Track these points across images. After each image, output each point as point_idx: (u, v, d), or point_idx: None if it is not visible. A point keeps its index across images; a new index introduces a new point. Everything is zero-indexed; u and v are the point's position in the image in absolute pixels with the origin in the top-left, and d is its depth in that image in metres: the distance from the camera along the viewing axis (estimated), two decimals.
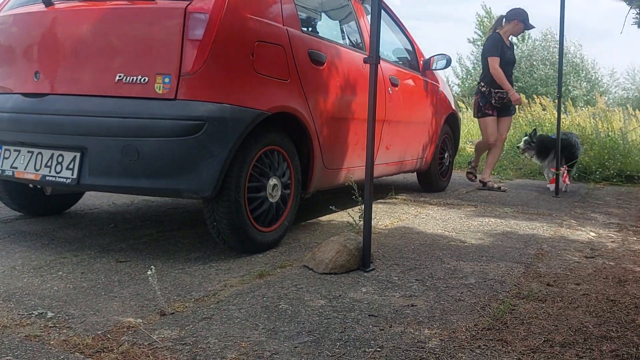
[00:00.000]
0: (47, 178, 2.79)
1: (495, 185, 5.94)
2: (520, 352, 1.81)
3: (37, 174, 2.82)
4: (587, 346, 1.88)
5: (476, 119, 6.17)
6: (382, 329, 1.97)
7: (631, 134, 8.33)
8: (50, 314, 2.03)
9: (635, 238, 3.70)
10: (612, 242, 3.55)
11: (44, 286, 2.35)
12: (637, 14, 5.60)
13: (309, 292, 2.36)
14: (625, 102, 21.83)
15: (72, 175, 2.72)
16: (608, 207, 5.09)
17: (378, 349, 1.81)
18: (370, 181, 2.67)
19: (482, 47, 5.94)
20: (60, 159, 2.77)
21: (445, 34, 62.12)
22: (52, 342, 1.80)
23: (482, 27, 29.72)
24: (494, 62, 5.59)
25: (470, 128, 11.36)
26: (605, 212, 4.74)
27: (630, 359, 1.79)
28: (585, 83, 25.03)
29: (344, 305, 2.20)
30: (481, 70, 5.95)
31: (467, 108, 13.15)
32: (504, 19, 5.78)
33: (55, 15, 2.89)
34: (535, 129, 6.43)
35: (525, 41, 27.73)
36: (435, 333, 1.95)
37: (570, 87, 23.42)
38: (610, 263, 3.00)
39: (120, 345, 1.77)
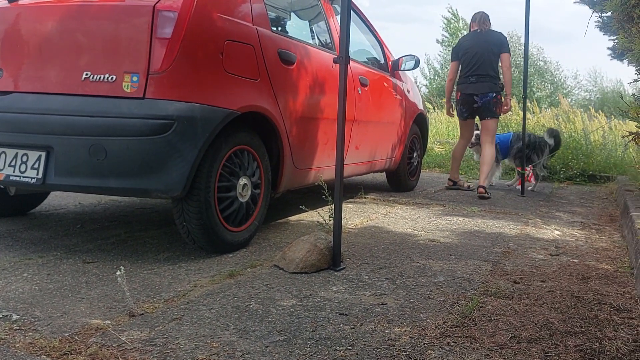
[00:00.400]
0: (12, 178, 2.73)
1: (465, 185, 6.02)
2: (488, 348, 1.85)
3: (0, 174, 2.76)
4: (553, 342, 1.92)
5: (454, 120, 6.23)
6: (353, 328, 1.98)
7: (593, 134, 8.55)
8: (15, 317, 1.98)
9: (597, 236, 3.80)
10: (575, 240, 3.64)
11: (8, 288, 2.30)
12: (599, 17, 5.76)
13: (279, 291, 2.36)
14: (587, 104, 22.39)
15: (38, 174, 2.67)
16: (572, 206, 5.22)
17: (349, 348, 1.82)
18: (340, 181, 2.68)
19: (486, 43, 5.41)
20: (24, 159, 2.71)
21: (413, 35, 62.73)
22: (17, 345, 1.76)
23: (449, 28, 30.09)
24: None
25: (438, 128, 11.49)
26: (569, 211, 4.86)
27: (593, 353, 1.84)
28: (549, 85, 25.57)
29: (315, 305, 2.21)
30: (490, 68, 5.46)
31: (434, 109, 13.30)
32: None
33: (19, 11, 2.83)
34: None
35: None
36: (405, 331, 1.97)
37: (534, 89, 23.88)
38: (574, 260, 3.07)
39: (89, 347, 1.75)
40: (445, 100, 6.19)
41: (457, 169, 6.00)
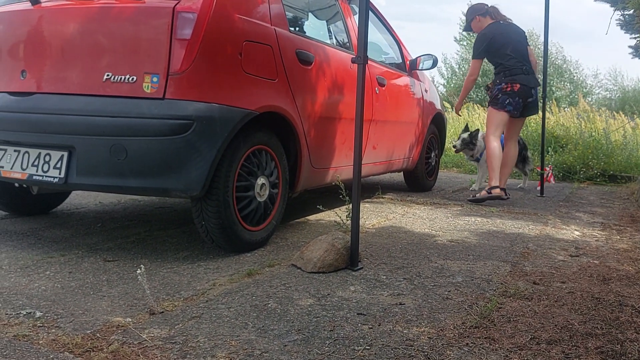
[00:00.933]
0: (34, 177, 2.77)
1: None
2: (507, 349, 1.84)
3: (24, 173, 2.80)
4: (573, 343, 1.91)
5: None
6: (371, 328, 1.99)
7: (614, 134, 8.44)
8: (38, 314, 2.02)
9: (618, 237, 3.75)
10: (596, 240, 3.60)
11: (31, 286, 2.34)
12: (621, 15, 5.68)
13: (297, 290, 2.37)
14: (608, 103, 22.11)
15: (60, 174, 2.71)
16: (592, 206, 5.16)
17: (367, 347, 1.82)
18: (358, 180, 2.68)
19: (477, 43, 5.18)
20: (47, 158, 2.76)
21: (430, 34, 62.39)
22: (41, 342, 1.79)
23: None
24: None
25: (456, 128, 11.42)
26: (589, 212, 4.80)
27: (614, 355, 1.82)
28: (568, 84, 25.28)
29: (333, 304, 2.21)
30: (528, 62, 4.92)
31: (452, 108, 13.23)
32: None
33: (42, 13, 2.87)
34: (478, 129, 5.72)
35: None
36: (424, 331, 1.97)
37: (553, 88, 23.65)
38: (595, 261, 3.04)
39: (110, 345, 1.77)
40: (458, 98, 5.48)
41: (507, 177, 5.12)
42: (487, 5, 5.22)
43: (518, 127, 5.13)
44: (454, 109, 5.57)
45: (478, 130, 5.68)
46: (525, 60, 4.88)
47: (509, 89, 4.77)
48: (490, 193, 4.80)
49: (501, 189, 4.83)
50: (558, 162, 7.66)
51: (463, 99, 5.48)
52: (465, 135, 5.58)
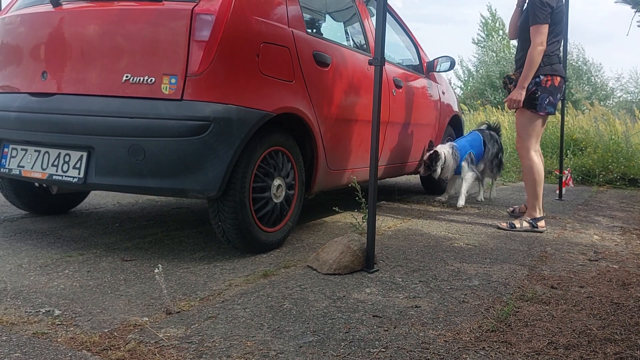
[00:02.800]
0: (54, 177, 2.81)
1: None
2: (524, 354, 1.82)
3: (44, 173, 2.84)
4: (591, 349, 1.88)
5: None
6: (387, 330, 1.98)
7: (635, 137, 8.33)
8: (57, 312, 2.04)
9: (638, 241, 3.70)
10: (615, 245, 3.55)
11: (50, 284, 2.37)
12: None
13: (313, 292, 2.37)
14: (630, 106, 21.79)
15: (79, 174, 2.74)
16: (611, 210, 5.10)
17: (382, 350, 1.82)
18: (374, 182, 2.68)
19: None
20: (67, 158, 2.79)
21: (447, 36, 62.03)
22: (59, 340, 1.81)
23: (486, 28, 29.72)
24: None
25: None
26: (608, 216, 4.74)
27: None
28: (587, 87, 24.96)
29: (348, 306, 2.21)
30: (559, 46, 3.90)
31: (469, 110, 13.17)
32: None
33: (62, 15, 2.91)
34: (436, 151, 4.70)
35: None
36: (440, 334, 1.96)
37: (572, 91, 23.41)
38: (614, 266, 3.00)
39: (127, 343, 1.79)
40: (521, 85, 3.75)
41: None
42: None
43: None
44: (510, 104, 3.83)
45: (436, 151, 4.69)
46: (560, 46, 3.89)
47: (549, 83, 3.76)
48: (536, 227, 3.88)
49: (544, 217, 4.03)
50: (577, 165, 7.57)
51: (525, 83, 3.76)
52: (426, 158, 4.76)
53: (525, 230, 3.87)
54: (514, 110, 3.93)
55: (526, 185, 3.99)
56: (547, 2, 3.65)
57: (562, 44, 3.92)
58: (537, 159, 3.87)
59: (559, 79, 3.79)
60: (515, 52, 4.12)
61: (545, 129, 7.97)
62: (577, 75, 23.65)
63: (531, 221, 3.90)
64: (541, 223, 3.91)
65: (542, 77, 3.76)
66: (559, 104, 4.06)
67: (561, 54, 3.95)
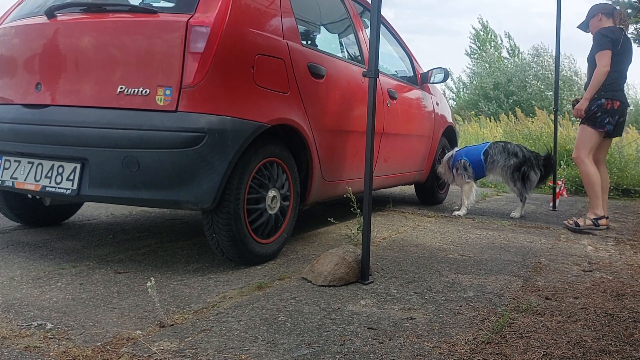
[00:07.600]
0: (47, 189, 2.79)
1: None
2: None
3: (37, 185, 2.83)
4: None
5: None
6: (382, 342, 1.97)
7: (627, 147, 8.37)
8: (49, 325, 2.03)
9: (632, 252, 3.71)
10: (609, 255, 3.56)
11: (42, 297, 2.35)
12: (635, 29, 5.66)
13: (308, 304, 2.36)
14: None
15: (73, 186, 2.73)
16: None
17: None
18: (369, 193, 2.68)
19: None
20: (60, 170, 2.78)
21: (440, 47, 62.27)
22: (51, 354, 1.79)
23: (478, 39, 29.92)
24: None
25: (467, 141, 11.39)
26: None
27: None
28: (578, 97, 25.11)
29: (343, 318, 2.20)
30: (623, 77, 4.55)
31: (463, 121, 13.22)
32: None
33: (57, 27, 2.91)
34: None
35: (517, 55, 27.88)
36: (435, 346, 1.95)
37: (564, 101, 23.57)
38: (608, 277, 3.01)
39: (120, 357, 1.77)
40: (585, 97, 4.46)
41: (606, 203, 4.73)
42: (616, 7, 4.69)
43: (607, 147, 4.78)
44: (576, 112, 4.54)
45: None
46: (625, 78, 4.54)
47: (609, 106, 4.39)
48: (598, 225, 4.44)
49: (607, 217, 4.54)
50: (571, 175, 7.60)
51: (588, 101, 4.47)
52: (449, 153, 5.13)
53: (589, 228, 4.42)
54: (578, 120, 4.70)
55: (586, 188, 4.57)
56: (606, 34, 4.38)
57: (622, 74, 4.50)
58: (591, 165, 4.47)
59: (618, 103, 4.42)
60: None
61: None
62: (568, 86, 23.81)
63: (593, 219, 4.45)
64: (602, 221, 4.47)
65: (603, 100, 4.40)
66: (608, 125, 4.46)
67: (623, 83, 4.54)
